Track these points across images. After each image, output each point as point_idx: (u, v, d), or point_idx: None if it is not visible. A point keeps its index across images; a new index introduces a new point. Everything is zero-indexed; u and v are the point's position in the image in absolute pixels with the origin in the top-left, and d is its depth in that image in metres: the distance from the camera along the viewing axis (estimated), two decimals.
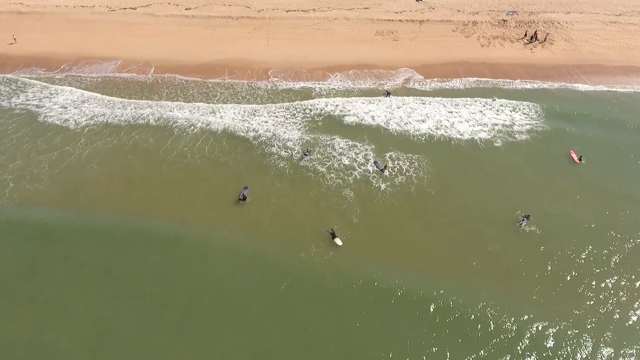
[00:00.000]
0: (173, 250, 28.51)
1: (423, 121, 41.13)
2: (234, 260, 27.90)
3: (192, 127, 40.14)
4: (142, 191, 33.42)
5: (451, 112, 42.45)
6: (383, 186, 33.45)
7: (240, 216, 31.20)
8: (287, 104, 43.92)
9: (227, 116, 41.83)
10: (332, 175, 34.48)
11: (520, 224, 30.05)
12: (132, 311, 25.13)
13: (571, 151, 36.73)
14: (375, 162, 35.48)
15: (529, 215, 30.50)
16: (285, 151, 37.13)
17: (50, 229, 30.25)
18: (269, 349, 23.54)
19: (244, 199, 32.04)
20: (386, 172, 34.50)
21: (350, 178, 34.19)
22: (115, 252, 28.52)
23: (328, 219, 30.38)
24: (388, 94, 45.89)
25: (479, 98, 44.76)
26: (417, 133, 39.46)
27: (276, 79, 48.60)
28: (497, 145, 38.05)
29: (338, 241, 28.13)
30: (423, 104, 43.96)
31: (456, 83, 47.95)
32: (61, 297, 25.88)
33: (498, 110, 42.60)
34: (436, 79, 48.59)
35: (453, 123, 40.84)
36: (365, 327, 24.32)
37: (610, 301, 25.75)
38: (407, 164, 35.63)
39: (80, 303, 25.45)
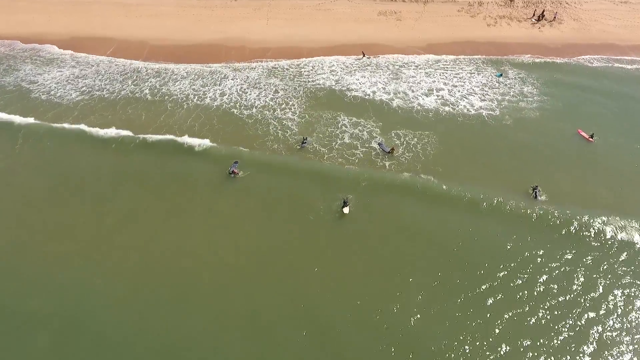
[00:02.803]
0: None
1: (427, 95, 39.64)
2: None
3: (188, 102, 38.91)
4: None
5: (455, 87, 40.89)
6: (387, 164, 31.98)
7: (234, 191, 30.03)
8: (287, 79, 42.52)
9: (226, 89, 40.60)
10: (333, 154, 32.92)
11: (535, 197, 28.80)
12: None
13: (579, 130, 35.14)
14: (380, 144, 33.63)
15: (537, 186, 29.35)
16: (282, 131, 35.28)
17: None
18: None
19: (234, 174, 30.34)
20: (395, 154, 32.62)
21: (353, 158, 32.55)
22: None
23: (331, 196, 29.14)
24: (364, 55, 45.57)
25: (484, 72, 43.31)
26: (422, 108, 37.94)
27: (276, 58, 46.90)
28: (506, 122, 36.48)
29: (346, 210, 27.51)
30: (428, 76, 42.46)
31: (464, 61, 46.14)
32: None
33: (506, 85, 41.07)
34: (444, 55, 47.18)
35: (459, 98, 39.30)
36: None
37: None
38: (415, 140, 34.05)
39: None
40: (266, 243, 26.31)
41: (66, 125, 35.96)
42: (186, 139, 33.99)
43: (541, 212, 27.82)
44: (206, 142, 33.71)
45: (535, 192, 29.00)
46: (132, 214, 28.24)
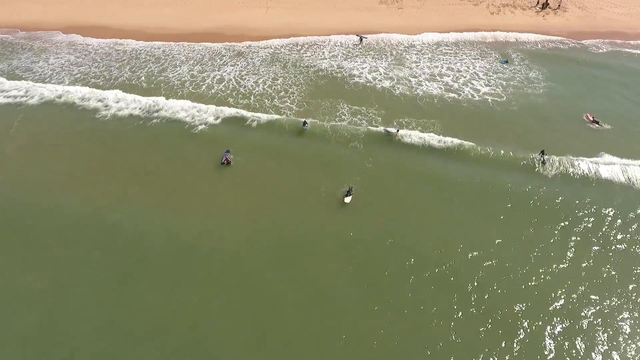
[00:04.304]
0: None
1: (430, 81, 38.68)
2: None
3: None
4: None
5: (460, 72, 40.02)
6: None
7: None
8: (288, 65, 41.60)
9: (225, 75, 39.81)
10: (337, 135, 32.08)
11: (542, 161, 29.22)
12: None
13: (587, 114, 34.30)
14: (385, 130, 32.67)
15: (544, 151, 29.72)
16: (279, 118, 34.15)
17: None
18: None
19: (228, 163, 29.29)
20: (398, 136, 31.79)
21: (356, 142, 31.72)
22: None
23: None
24: (361, 39, 44.96)
25: (488, 57, 42.46)
26: (426, 95, 36.95)
27: (275, 46, 45.98)
28: (512, 108, 35.54)
29: (347, 199, 26.59)
30: (431, 62, 41.57)
31: (468, 46, 45.31)
32: None
33: (512, 71, 40.25)
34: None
35: (463, 84, 38.36)
36: None
37: None
38: (420, 128, 32.94)
39: None
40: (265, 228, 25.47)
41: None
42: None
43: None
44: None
45: (543, 156, 29.54)
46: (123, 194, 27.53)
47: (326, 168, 29.22)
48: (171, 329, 20.59)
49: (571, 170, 28.96)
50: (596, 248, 24.42)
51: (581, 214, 26.31)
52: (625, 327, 20.98)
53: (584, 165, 29.11)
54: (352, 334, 20.43)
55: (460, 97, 36.77)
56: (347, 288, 22.23)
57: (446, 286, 22.40)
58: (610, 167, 28.96)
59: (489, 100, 36.26)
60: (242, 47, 44.76)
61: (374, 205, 26.62)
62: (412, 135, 31.74)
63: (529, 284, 22.69)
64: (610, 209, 26.53)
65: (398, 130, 31.97)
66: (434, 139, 31.46)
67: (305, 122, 32.85)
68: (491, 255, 23.92)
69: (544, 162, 29.19)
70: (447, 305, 21.59)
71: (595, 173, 28.73)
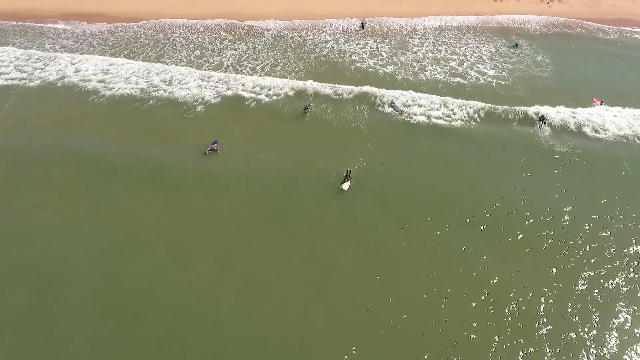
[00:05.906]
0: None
1: (434, 66, 37.76)
2: None
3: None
4: None
5: (465, 55, 39.18)
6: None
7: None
8: (289, 50, 40.73)
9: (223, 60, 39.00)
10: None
11: (541, 127, 29.12)
12: None
13: (594, 99, 33.42)
14: (392, 103, 31.99)
15: (543, 116, 29.63)
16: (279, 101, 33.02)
17: None
18: None
19: (213, 151, 27.52)
20: (402, 117, 31.09)
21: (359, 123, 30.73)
22: None
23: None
24: (362, 25, 44.88)
25: (494, 42, 41.73)
26: (430, 80, 35.98)
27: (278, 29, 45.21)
28: (518, 92, 34.62)
29: (345, 185, 25.14)
30: (434, 45, 40.76)
31: (472, 32, 44.55)
32: None
33: (518, 55, 39.45)
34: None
35: (468, 68, 37.52)
36: None
37: None
38: (422, 110, 32.05)
39: None
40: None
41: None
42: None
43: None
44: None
45: (541, 120, 29.65)
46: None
47: (326, 150, 28.07)
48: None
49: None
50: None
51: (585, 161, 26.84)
52: None
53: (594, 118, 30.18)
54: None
55: (465, 81, 35.79)
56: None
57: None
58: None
59: (493, 84, 35.33)
60: (242, 32, 44.13)
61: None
62: (416, 110, 31.52)
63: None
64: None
65: (402, 112, 31.13)
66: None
67: (306, 108, 31.94)
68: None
69: (541, 128, 29.55)
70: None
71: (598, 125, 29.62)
